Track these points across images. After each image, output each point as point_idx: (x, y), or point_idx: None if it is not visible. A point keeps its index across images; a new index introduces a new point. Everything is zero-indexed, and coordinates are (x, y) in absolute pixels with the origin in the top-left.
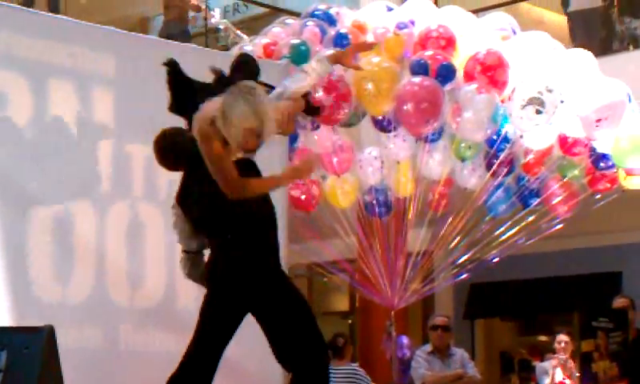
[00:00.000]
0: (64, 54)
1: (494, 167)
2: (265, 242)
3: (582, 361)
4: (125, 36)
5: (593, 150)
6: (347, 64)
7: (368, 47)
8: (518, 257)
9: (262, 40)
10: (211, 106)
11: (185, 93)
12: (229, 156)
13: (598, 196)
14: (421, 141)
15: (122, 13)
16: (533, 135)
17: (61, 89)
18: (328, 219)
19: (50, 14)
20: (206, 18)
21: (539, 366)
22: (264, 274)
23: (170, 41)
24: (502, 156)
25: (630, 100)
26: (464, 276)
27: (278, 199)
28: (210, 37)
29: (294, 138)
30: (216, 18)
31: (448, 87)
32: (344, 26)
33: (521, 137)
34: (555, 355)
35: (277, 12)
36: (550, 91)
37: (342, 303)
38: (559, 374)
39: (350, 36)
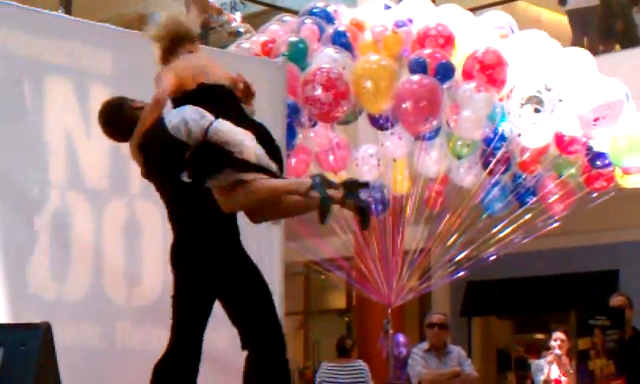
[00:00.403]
0: (62, 51)
1: (491, 165)
2: (227, 225)
3: (579, 359)
4: (122, 33)
5: (589, 148)
6: None
7: None
8: (515, 255)
9: (260, 38)
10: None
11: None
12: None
13: (595, 194)
14: (417, 139)
15: (120, 10)
16: (529, 133)
17: (58, 86)
18: None
19: (50, 11)
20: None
21: (535, 363)
22: (229, 256)
23: None
24: (499, 154)
25: (627, 99)
26: (461, 274)
27: None
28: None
29: (292, 136)
30: (237, 21)
31: (446, 85)
32: (342, 23)
33: (519, 135)
34: (550, 351)
35: (275, 10)
36: (548, 90)
37: (338, 301)
38: (555, 371)
39: (348, 34)
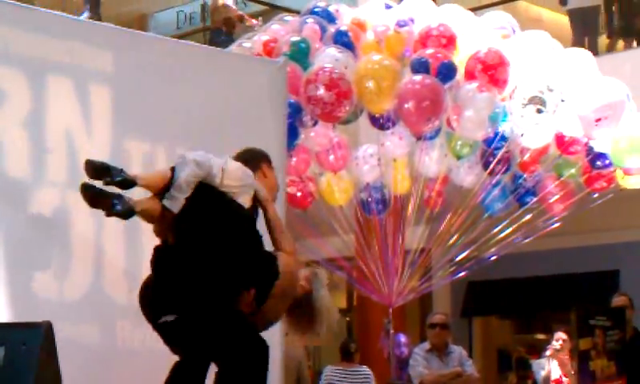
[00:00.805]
0: (62, 50)
1: (491, 166)
2: None
3: (580, 359)
4: (123, 32)
5: (590, 149)
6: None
7: None
8: (516, 255)
9: (262, 37)
10: None
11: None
12: None
13: (596, 195)
14: (419, 139)
15: (120, 9)
16: (530, 134)
17: (59, 85)
18: (326, 217)
19: (50, 10)
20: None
21: (535, 362)
22: None
23: (167, 38)
24: (499, 155)
25: (628, 99)
26: (462, 274)
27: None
28: None
29: (293, 136)
30: (259, 25)
31: (448, 85)
32: (343, 23)
33: (521, 135)
34: (549, 347)
35: (275, 9)
36: (550, 90)
37: (339, 301)
38: (556, 371)
39: (350, 33)
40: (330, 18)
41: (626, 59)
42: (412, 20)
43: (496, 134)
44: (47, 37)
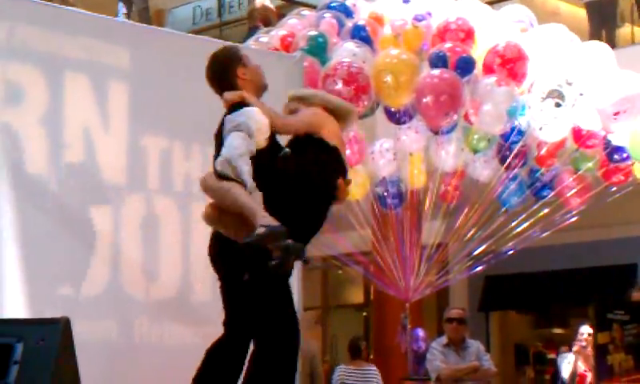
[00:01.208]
0: (79, 46)
1: (508, 160)
2: None
3: (598, 353)
4: (140, 29)
5: (607, 142)
6: None
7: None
8: (533, 249)
9: (279, 32)
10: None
11: None
12: None
13: (613, 188)
14: (437, 133)
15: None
16: (547, 128)
17: (76, 82)
18: (343, 211)
19: (64, 7)
20: None
21: (561, 356)
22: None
23: (184, 33)
24: (516, 148)
25: None
26: (479, 268)
27: None
28: None
29: None
30: None
31: (467, 80)
32: (361, 17)
33: (540, 129)
34: (576, 342)
35: (293, 4)
36: (569, 84)
37: (356, 296)
38: (581, 365)
39: (367, 28)
40: (348, 12)
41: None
42: (429, 14)
43: (513, 128)
44: (64, 33)
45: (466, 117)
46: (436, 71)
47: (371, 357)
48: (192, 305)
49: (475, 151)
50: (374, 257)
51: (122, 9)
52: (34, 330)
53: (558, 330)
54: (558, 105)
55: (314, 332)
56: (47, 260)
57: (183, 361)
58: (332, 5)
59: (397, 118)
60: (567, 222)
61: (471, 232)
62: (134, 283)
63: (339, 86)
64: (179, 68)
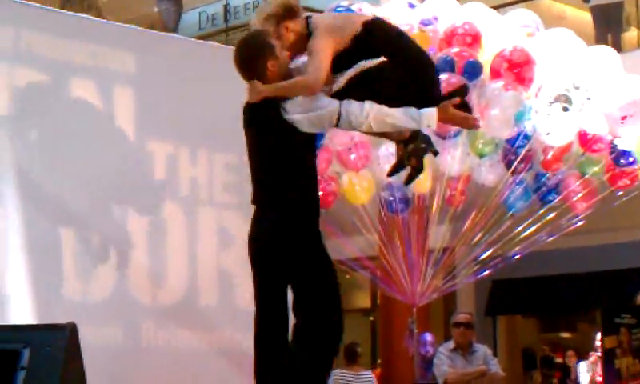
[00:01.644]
0: (86, 52)
1: (514, 164)
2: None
3: (605, 357)
4: (146, 34)
5: (613, 146)
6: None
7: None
8: (540, 253)
9: None
10: None
11: None
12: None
13: (620, 193)
14: (444, 138)
15: (143, 11)
16: (553, 132)
17: (82, 87)
18: (349, 216)
19: (74, 13)
20: None
21: (581, 364)
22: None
23: (190, 39)
24: (522, 153)
25: None
26: (485, 273)
27: None
28: None
29: (319, 136)
30: None
31: (474, 84)
32: None
33: (547, 134)
34: (594, 352)
35: None
36: (576, 88)
37: (363, 300)
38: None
39: None
40: None
41: None
42: (436, 18)
43: (519, 133)
44: (70, 39)
45: None
46: (443, 76)
47: (378, 361)
48: (198, 309)
49: (481, 156)
50: (381, 261)
51: None
52: (41, 335)
53: (565, 334)
54: (565, 109)
55: None
56: (54, 265)
57: (190, 365)
58: (337, 9)
59: None
60: (573, 227)
61: (478, 236)
62: (141, 288)
63: None
64: (185, 73)
